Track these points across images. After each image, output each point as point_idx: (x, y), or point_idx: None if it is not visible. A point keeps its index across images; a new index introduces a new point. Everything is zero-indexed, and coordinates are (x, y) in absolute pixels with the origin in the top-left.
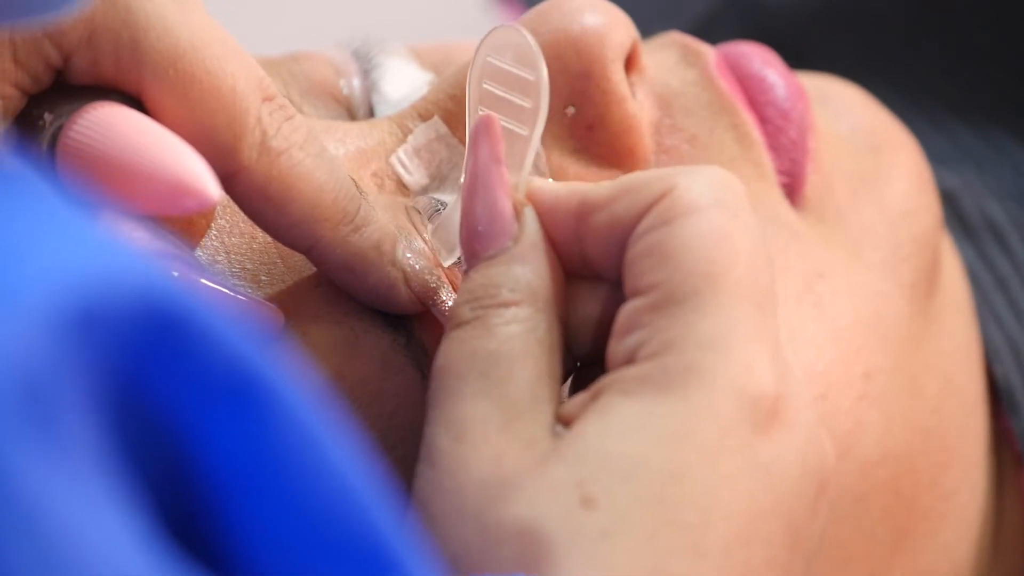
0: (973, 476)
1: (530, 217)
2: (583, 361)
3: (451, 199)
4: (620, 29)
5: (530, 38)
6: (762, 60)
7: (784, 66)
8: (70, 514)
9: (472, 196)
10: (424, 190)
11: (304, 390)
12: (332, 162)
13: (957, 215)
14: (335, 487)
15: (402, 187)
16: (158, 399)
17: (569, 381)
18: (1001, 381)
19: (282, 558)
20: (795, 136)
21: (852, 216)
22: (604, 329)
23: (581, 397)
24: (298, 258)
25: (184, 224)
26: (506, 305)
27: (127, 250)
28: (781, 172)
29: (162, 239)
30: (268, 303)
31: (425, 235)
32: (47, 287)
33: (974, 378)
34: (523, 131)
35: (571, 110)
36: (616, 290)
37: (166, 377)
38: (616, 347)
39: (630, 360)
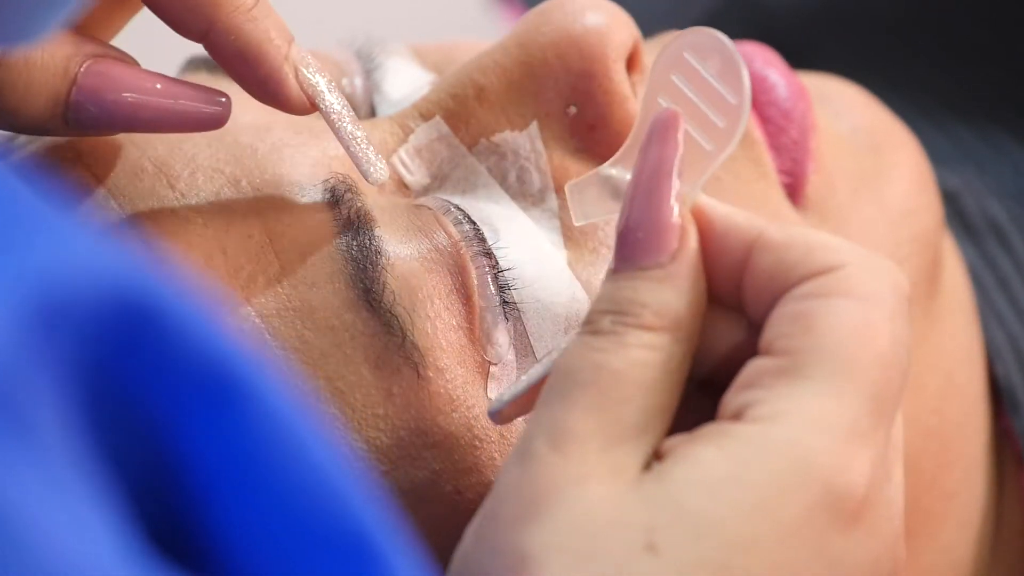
0: (974, 475)
1: (692, 238)
2: (698, 382)
3: (495, 210)
4: (622, 29)
5: (738, 56)
6: (763, 60)
7: (785, 66)
8: (44, 515)
9: (636, 197)
10: (425, 190)
11: (282, 383)
12: None
13: (958, 214)
14: (315, 481)
15: (403, 187)
16: (133, 394)
17: None
18: (1002, 380)
19: (263, 553)
20: (796, 136)
21: (853, 215)
22: (728, 366)
23: (681, 438)
24: (293, 257)
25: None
26: (647, 328)
27: (96, 242)
28: (782, 172)
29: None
30: (215, 90)
31: (437, 233)
32: (12, 280)
33: (975, 377)
34: (707, 146)
35: (573, 109)
36: (753, 333)
37: (140, 371)
38: (731, 398)
39: (738, 416)
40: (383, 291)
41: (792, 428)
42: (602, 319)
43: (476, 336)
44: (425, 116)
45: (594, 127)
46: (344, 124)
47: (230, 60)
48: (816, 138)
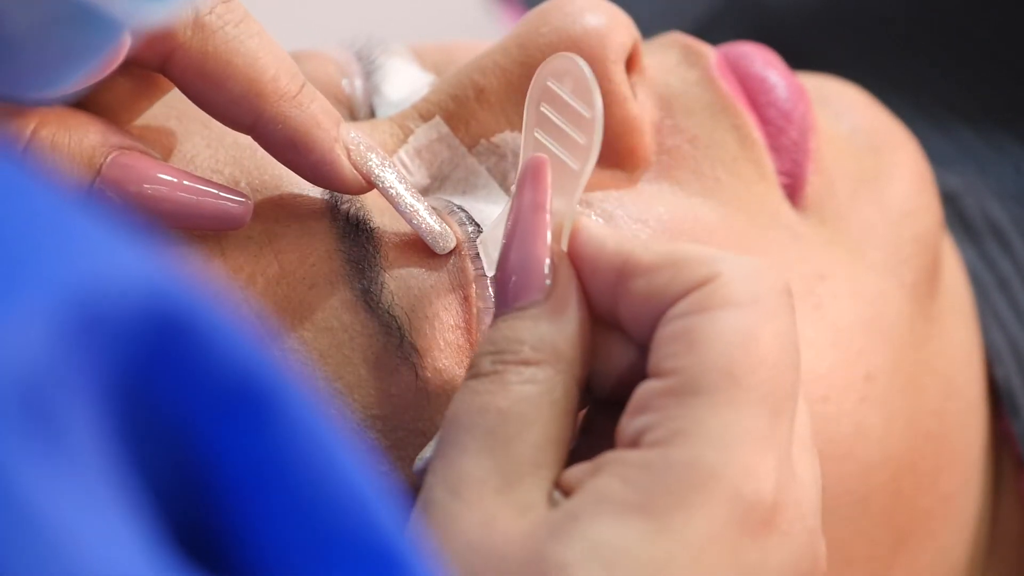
0: (972, 478)
1: (565, 271)
2: (601, 402)
3: (495, 211)
4: (621, 30)
5: (588, 72)
6: (763, 60)
7: (785, 67)
8: (72, 520)
9: (510, 242)
10: (425, 191)
11: (310, 395)
12: (271, 42)
13: (958, 215)
14: (343, 492)
15: None
16: (165, 404)
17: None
18: (1002, 383)
19: (291, 564)
20: (796, 137)
21: (853, 216)
22: (623, 384)
23: (583, 468)
24: (292, 258)
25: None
26: (526, 364)
27: (132, 251)
28: (782, 173)
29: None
30: (237, 191)
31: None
32: (49, 289)
33: (975, 379)
34: (574, 165)
35: None
36: (641, 353)
37: (173, 382)
38: (626, 424)
39: (636, 442)
40: (381, 291)
41: (690, 447)
42: (483, 362)
43: (474, 337)
44: (425, 117)
45: None
46: (404, 199)
47: (280, 148)
48: (816, 139)
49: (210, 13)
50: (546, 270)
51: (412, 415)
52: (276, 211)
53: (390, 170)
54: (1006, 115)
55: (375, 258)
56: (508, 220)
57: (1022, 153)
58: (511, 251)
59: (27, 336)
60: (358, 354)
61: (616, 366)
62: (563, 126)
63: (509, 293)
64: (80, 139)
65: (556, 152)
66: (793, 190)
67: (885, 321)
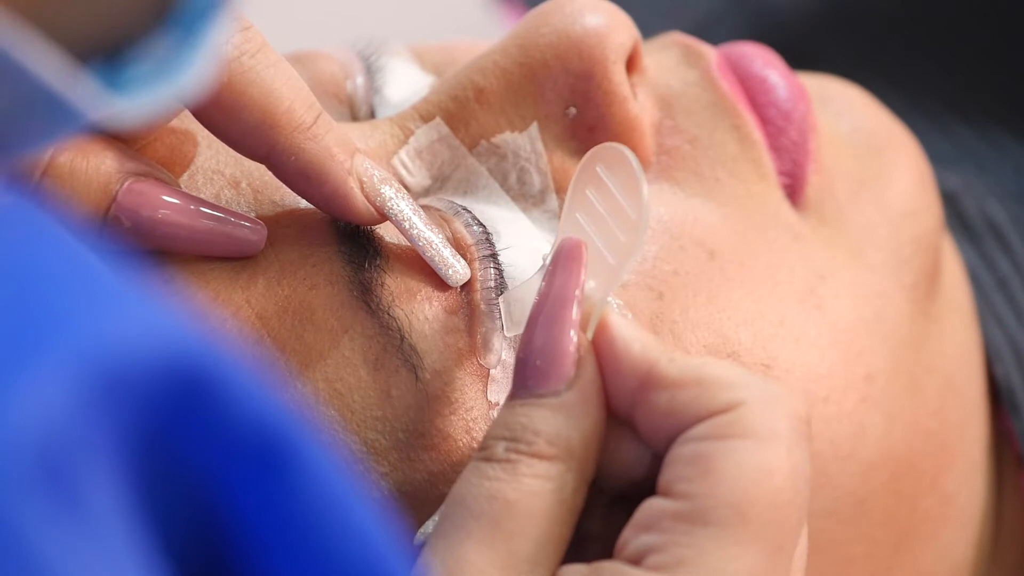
0: (973, 477)
1: (589, 367)
2: (605, 497)
3: (497, 212)
4: (621, 30)
5: (639, 171)
6: (763, 61)
7: (785, 67)
8: None
9: (537, 323)
10: (426, 191)
11: (330, 450)
12: (288, 72)
13: (958, 215)
14: (362, 549)
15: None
16: (185, 462)
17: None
18: (1002, 382)
19: None
20: (796, 137)
21: (853, 217)
22: (633, 484)
23: (580, 571)
24: (294, 258)
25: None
26: (540, 457)
27: (152, 307)
28: (782, 173)
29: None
30: (251, 218)
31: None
32: (70, 350)
33: (975, 379)
34: (611, 259)
35: (572, 111)
36: (652, 456)
37: (194, 440)
38: (629, 538)
39: (638, 560)
40: (381, 291)
41: None
42: (496, 445)
43: (475, 339)
44: (425, 118)
45: (594, 128)
46: (418, 231)
47: (293, 179)
48: (816, 139)
49: (226, 42)
50: (572, 362)
51: (412, 416)
52: (277, 212)
53: (404, 201)
54: (1005, 114)
55: (375, 258)
56: (538, 295)
57: (1021, 153)
58: (536, 332)
59: (47, 398)
60: (358, 355)
61: (625, 465)
62: (606, 216)
63: (529, 376)
64: (98, 165)
65: (595, 240)
66: (793, 190)
67: (885, 321)
